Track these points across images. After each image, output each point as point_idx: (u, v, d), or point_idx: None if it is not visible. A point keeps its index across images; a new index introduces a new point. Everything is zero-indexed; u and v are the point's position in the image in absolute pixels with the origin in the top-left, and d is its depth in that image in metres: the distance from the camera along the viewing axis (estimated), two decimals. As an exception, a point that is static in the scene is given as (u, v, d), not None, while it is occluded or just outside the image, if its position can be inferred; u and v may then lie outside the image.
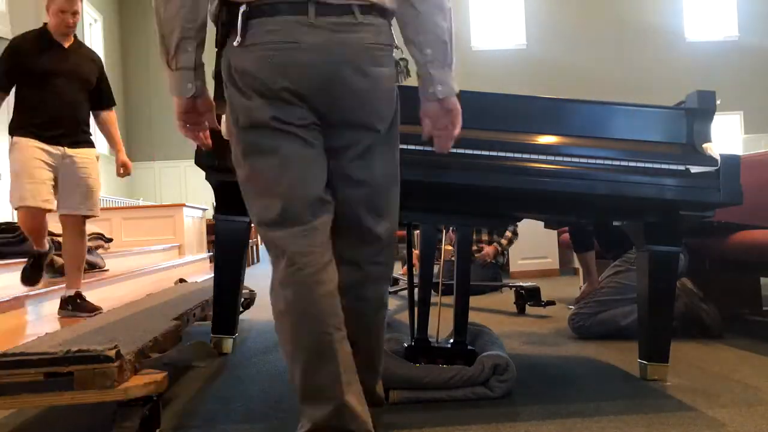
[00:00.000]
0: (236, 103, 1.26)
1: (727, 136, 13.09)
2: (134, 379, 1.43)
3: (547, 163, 1.80)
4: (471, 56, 13.41)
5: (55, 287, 3.14)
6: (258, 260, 8.85)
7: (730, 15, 13.92)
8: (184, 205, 6.56)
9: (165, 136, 12.21)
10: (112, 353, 1.38)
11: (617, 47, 13.53)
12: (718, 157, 1.85)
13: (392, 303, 3.30)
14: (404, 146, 1.70)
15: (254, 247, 8.74)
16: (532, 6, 13.67)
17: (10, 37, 6.83)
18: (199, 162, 1.73)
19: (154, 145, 12.61)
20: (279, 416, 1.73)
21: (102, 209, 3.39)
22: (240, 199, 1.31)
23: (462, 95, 1.40)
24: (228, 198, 1.81)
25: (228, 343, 1.85)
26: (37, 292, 2.90)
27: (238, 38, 1.22)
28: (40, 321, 2.79)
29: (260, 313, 3.67)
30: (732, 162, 1.85)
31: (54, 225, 3.16)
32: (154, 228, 6.35)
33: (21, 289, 2.98)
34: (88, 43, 11.14)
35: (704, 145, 1.89)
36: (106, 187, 7.10)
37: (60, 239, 3.09)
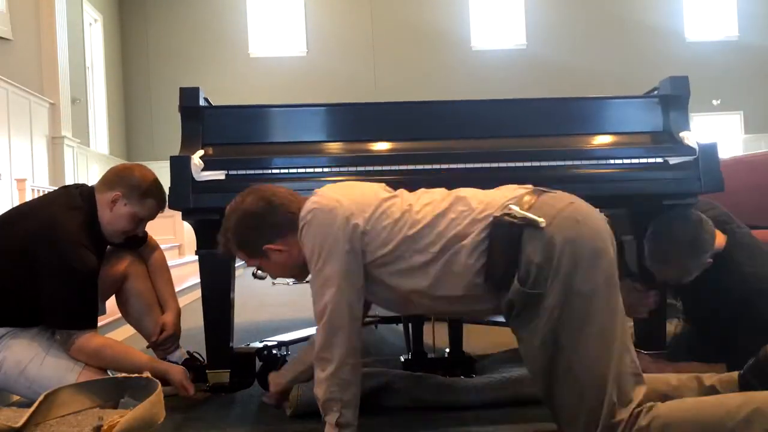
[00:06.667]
0: None
1: (727, 136, 13.08)
2: None
3: (526, 171, 1.79)
4: (471, 56, 13.43)
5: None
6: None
7: (730, 15, 13.91)
8: (184, 205, 6.55)
9: (165, 136, 12.17)
10: None
11: (617, 47, 13.52)
12: (696, 146, 1.85)
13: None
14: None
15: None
16: (532, 6, 13.67)
17: (10, 37, 6.84)
18: (172, 206, 1.74)
19: (153, 145, 12.60)
20: (279, 416, 1.73)
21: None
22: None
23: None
24: (208, 234, 1.80)
25: (225, 377, 1.85)
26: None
27: None
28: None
29: (260, 314, 3.68)
30: (710, 150, 1.85)
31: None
32: (154, 228, 6.22)
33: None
34: (88, 43, 11.19)
35: (681, 134, 1.89)
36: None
37: None
